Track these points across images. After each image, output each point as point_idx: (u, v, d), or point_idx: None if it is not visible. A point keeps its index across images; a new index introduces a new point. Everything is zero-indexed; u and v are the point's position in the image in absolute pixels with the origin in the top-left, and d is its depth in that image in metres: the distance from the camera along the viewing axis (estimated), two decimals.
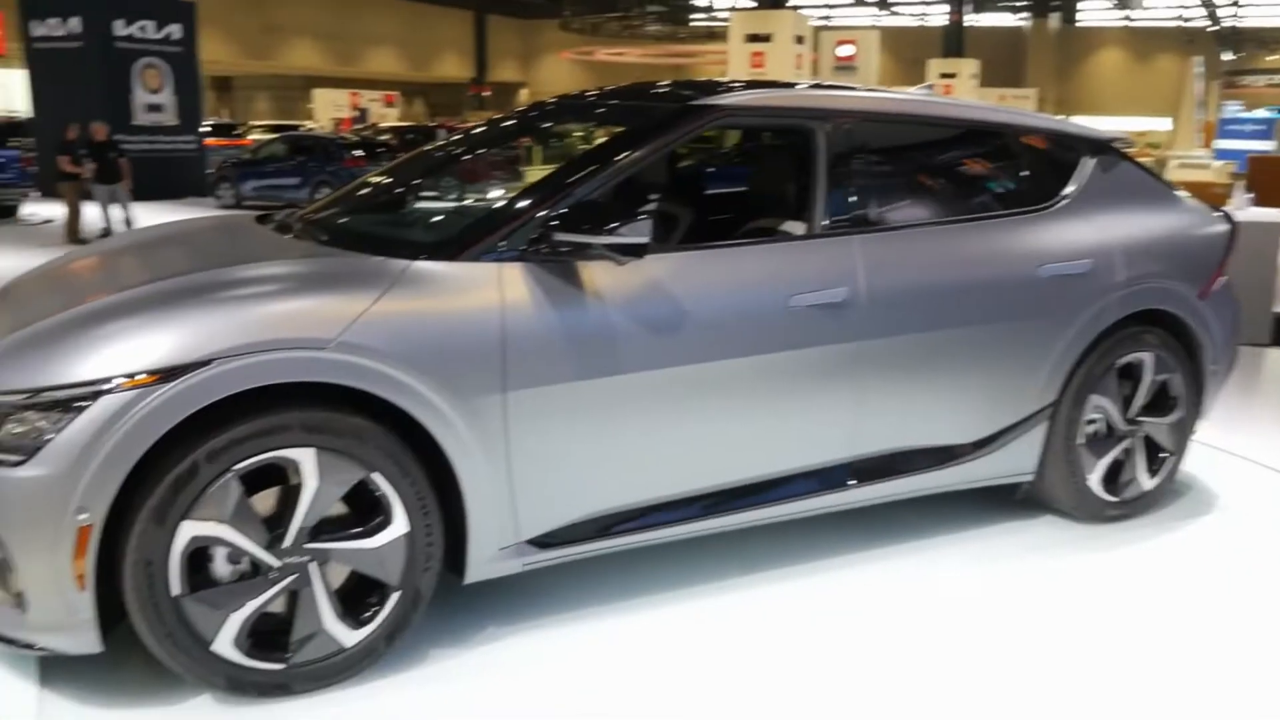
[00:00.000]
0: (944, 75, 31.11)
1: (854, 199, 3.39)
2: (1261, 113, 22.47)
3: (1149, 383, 3.89)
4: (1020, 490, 3.88)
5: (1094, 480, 3.83)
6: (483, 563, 2.89)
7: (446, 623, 3.06)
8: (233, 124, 31.48)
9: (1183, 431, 4.02)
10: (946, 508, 3.93)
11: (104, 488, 2.39)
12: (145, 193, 13.65)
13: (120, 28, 19.47)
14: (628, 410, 2.98)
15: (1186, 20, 43.63)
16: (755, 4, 27.74)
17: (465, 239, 2.92)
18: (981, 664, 2.95)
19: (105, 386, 2.40)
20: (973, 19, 40.85)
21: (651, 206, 2.90)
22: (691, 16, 46.70)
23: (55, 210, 14.85)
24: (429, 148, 4.21)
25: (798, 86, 3.84)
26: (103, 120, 13.42)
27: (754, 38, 22.83)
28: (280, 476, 2.61)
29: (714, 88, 3.51)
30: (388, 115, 38.78)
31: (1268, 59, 45.61)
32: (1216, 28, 43.49)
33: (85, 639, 2.48)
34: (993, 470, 3.69)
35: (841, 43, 25.88)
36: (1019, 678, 2.88)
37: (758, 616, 3.19)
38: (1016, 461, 3.72)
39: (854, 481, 3.41)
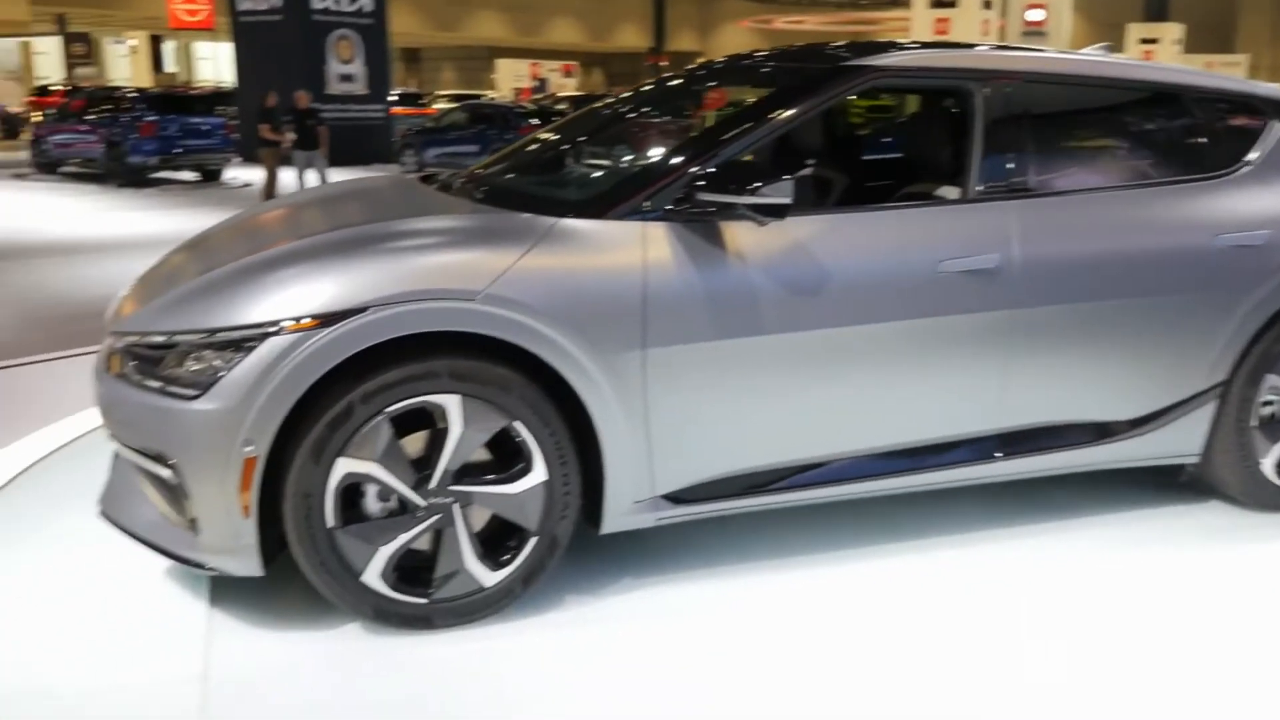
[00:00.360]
0: (1144, 40, 29.23)
1: (1011, 164, 3.28)
2: None
3: None
4: (1185, 473, 3.70)
5: (1268, 465, 3.61)
6: (618, 515, 2.96)
7: (585, 571, 3.15)
8: (419, 93, 32.72)
9: None
10: (1106, 487, 3.78)
11: (268, 423, 2.58)
12: (334, 159, 14.33)
13: (317, 1, 20.49)
14: (766, 371, 2.98)
15: None
16: None
17: (611, 198, 2.98)
18: (1134, 648, 2.84)
19: (272, 329, 2.58)
20: None
21: (806, 171, 2.88)
22: None
23: (255, 175, 15.82)
24: (594, 106, 4.28)
25: (976, 48, 3.71)
26: (302, 89, 14.13)
27: (939, 3, 22.15)
28: (428, 421, 2.74)
29: (883, 49, 3.43)
30: (566, 85, 39.46)
31: None
32: None
33: (248, 563, 2.69)
34: (1152, 450, 3.52)
35: (1031, 6, 24.70)
36: (1170, 665, 2.77)
37: (897, 584, 3.15)
38: (1180, 442, 3.54)
39: (1001, 454, 3.33)
